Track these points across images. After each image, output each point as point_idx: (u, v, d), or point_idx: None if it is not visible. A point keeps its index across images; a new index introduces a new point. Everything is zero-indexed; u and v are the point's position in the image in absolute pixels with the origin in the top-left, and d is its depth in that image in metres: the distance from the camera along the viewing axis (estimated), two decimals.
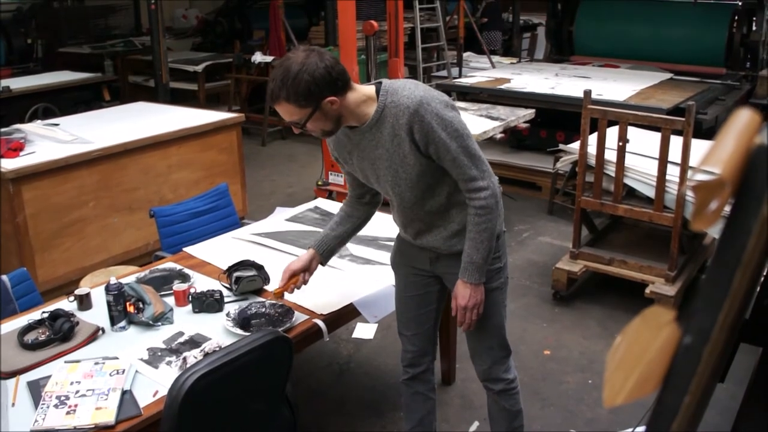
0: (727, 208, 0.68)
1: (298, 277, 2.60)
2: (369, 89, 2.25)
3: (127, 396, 2.17)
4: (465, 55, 8.95)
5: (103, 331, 2.56)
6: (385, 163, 2.28)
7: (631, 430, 3.04)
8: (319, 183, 5.95)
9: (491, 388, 2.67)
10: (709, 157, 0.63)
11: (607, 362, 0.71)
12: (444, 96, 2.26)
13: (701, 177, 0.63)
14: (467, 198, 2.31)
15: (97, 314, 2.67)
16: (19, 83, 7.01)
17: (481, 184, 2.27)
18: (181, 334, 2.55)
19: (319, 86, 2.09)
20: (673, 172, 3.96)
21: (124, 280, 2.82)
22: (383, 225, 3.54)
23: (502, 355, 2.61)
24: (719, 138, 0.65)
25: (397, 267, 2.68)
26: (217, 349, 2.30)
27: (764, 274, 1.56)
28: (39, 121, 5.29)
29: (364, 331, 4.09)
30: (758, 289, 1.59)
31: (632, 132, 4.23)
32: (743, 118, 0.65)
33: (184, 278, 2.97)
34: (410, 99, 2.17)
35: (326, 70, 2.10)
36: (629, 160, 4.13)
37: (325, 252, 2.65)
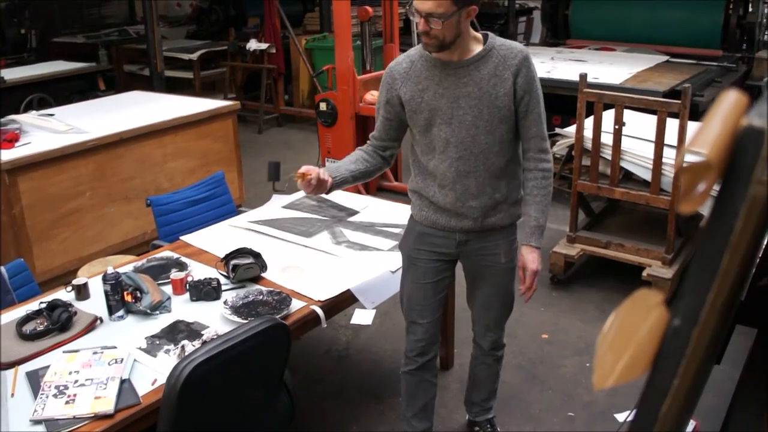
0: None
1: (315, 181, 2.49)
2: (476, 33, 2.38)
3: (125, 385, 2.18)
4: None
5: (101, 321, 2.56)
6: (472, 101, 2.34)
7: (628, 412, 3.06)
8: None
9: (495, 354, 2.88)
10: (696, 139, 0.63)
11: (597, 345, 0.72)
12: None
13: (688, 159, 0.63)
14: (536, 159, 2.46)
15: (95, 304, 2.68)
16: (13, 74, 6.97)
17: (549, 148, 2.48)
18: (179, 322, 2.55)
19: None
20: (669, 155, 3.96)
21: (121, 270, 2.82)
22: (380, 211, 3.55)
23: (505, 324, 2.85)
24: (706, 120, 0.65)
25: (416, 254, 2.64)
26: (215, 336, 2.30)
27: (759, 255, 1.57)
28: (34, 111, 5.28)
29: (362, 317, 4.12)
30: (753, 270, 1.60)
31: (628, 115, 4.22)
32: (730, 99, 0.65)
33: (182, 267, 2.97)
34: (521, 48, 2.39)
35: None
36: (625, 144, 4.13)
37: (337, 179, 2.57)
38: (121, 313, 2.58)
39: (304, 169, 2.47)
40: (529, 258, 2.54)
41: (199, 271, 2.93)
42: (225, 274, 2.85)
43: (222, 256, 2.91)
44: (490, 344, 2.85)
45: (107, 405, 2.07)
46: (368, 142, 2.68)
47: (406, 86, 2.42)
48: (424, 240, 2.60)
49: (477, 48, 2.36)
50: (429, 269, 2.63)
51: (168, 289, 2.77)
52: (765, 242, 1.52)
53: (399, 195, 5.39)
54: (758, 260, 1.58)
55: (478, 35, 2.38)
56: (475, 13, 2.29)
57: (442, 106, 2.37)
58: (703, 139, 0.62)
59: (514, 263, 2.64)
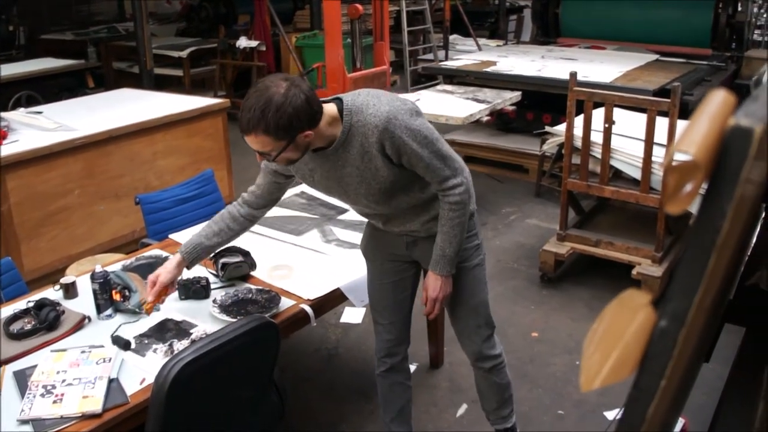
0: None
1: (167, 288, 2.49)
2: (331, 109, 2.19)
3: (114, 384, 2.17)
4: (451, 37, 8.92)
5: (90, 320, 2.55)
6: (355, 180, 2.26)
7: (618, 411, 3.06)
8: None
9: (482, 366, 2.70)
10: (683, 139, 0.62)
11: (584, 346, 0.71)
12: (408, 102, 2.24)
13: (676, 159, 0.63)
14: (441, 195, 2.33)
15: (83, 303, 2.66)
16: (1, 71, 6.93)
17: (455, 182, 2.30)
18: (167, 321, 2.54)
19: (300, 120, 2.03)
20: (659, 154, 3.97)
21: (110, 268, 2.81)
22: None
23: (489, 332, 2.66)
24: (693, 119, 0.65)
25: (371, 254, 2.65)
26: (204, 335, 2.29)
27: (747, 254, 1.57)
28: (22, 109, 5.25)
29: (352, 315, 4.11)
30: (742, 269, 1.61)
31: (618, 113, 4.23)
32: (717, 99, 0.65)
33: None
34: (377, 117, 2.14)
35: (307, 102, 2.04)
36: (615, 142, 4.14)
37: (193, 261, 2.53)
38: (109, 312, 2.57)
39: (151, 296, 2.44)
40: (431, 285, 2.44)
41: (188, 270, 2.91)
42: (214, 272, 2.84)
43: (211, 254, 2.90)
44: (472, 355, 2.70)
45: (95, 404, 2.06)
46: (244, 198, 2.59)
47: (297, 169, 2.35)
48: (377, 239, 2.59)
49: (338, 130, 2.20)
50: (385, 269, 2.61)
51: None
52: (753, 241, 1.52)
53: None
54: (746, 259, 1.58)
55: (335, 113, 2.19)
56: (311, 136, 2.12)
57: (332, 186, 2.35)
58: (690, 139, 0.62)
59: (473, 263, 2.54)
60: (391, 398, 2.82)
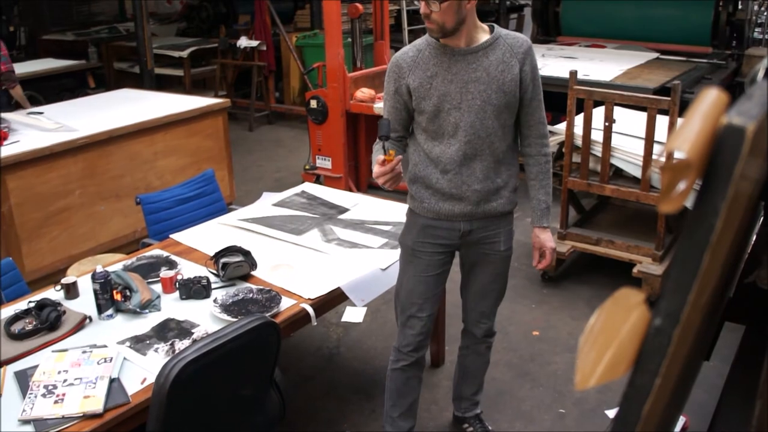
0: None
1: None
2: (479, 22, 2.46)
3: (115, 384, 2.17)
4: None
5: (91, 320, 2.55)
6: (481, 86, 2.40)
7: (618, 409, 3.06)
8: (307, 167, 5.94)
9: (487, 342, 2.94)
10: (676, 138, 0.63)
11: (580, 345, 0.72)
12: None
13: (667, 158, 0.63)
14: (537, 144, 2.61)
15: (84, 303, 2.67)
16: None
17: (548, 133, 2.66)
18: (169, 320, 2.54)
19: None
20: (659, 152, 3.97)
21: (111, 268, 2.81)
22: (370, 209, 3.55)
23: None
24: (686, 118, 0.65)
25: (420, 246, 2.64)
26: (205, 335, 2.30)
27: (747, 252, 1.57)
28: (23, 109, 5.25)
29: (353, 314, 4.12)
30: (741, 267, 1.60)
31: (618, 112, 4.23)
32: (710, 98, 0.65)
33: (171, 265, 2.96)
34: (526, 38, 2.51)
35: None
36: (616, 140, 4.14)
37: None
38: (110, 312, 2.57)
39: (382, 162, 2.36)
40: (546, 237, 2.70)
41: (188, 270, 2.92)
42: (215, 272, 2.85)
43: (212, 254, 2.91)
44: (483, 332, 2.88)
45: (96, 404, 2.06)
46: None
47: (414, 74, 2.46)
48: (427, 232, 2.62)
49: (484, 37, 2.44)
50: (432, 262, 2.64)
51: (158, 288, 2.76)
52: (753, 239, 1.52)
53: (390, 192, 5.38)
54: (746, 257, 1.58)
55: (485, 26, 2.47)
56: (470, 9, 2.36)
57: (451, 91, 2.42)
58: (683, 137, 0.62)
59: (511, 251, 2.73)
60: (405, 392, 2.84)
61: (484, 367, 3.04)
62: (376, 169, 2.36)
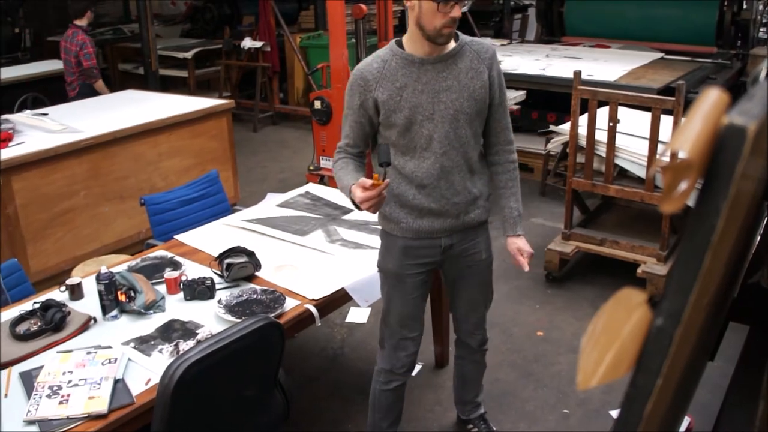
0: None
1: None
2: None
3: (119, 384, 2.18)
4: None
5: (95, 321, 2.56)
6: (452, 95, 2.36)
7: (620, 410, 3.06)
8: (311, 168, 5.94)
9: (483, 349, 2.94)
10: (677, 138, 0.63)
11: (582, 345, 0.72)
12: None
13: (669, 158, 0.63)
14: (505, 151, 2.56)
15: (89, 304, 2.67)
16: (7, 73, 6.97)
17: (513, 140, 2.60)
18: (173, 321, 2.55)
19: None
20: (660, 152, 3.96)
21: (115, 269, 2.82)
22: None
23: None
24: (687, 118, 0.65)
25: (404, 269, 2.57)
26: (209, 336, 2.30)
27: (751, 252, 1.57)
28: (28, 111, 5.26)
29: (357, 315, 4.12)
30: (745, 267, 1.60)
31: (623, 112, 4.22)
32: (711, 97, 0.65)
33: (176, 266, 2.97)
34: (490, 44, 2.54)
35: None
36: (620, 141, 4.13)
37: None
38: (115, 312, 2.58)
39: (369, 190, 2.26)
40: (522, 243, 2.64)
41: (193, 271, 2.92)
42: (219, 273, 2.85)
43: (216, 255, 2.91)
44: (479, 342, 2.88)
45: (101, 405, 2.07)
46: (341, 150, 2.55)
47: (382, 86, 2.37)
48: (409, 254, 2.54)
49: (451, 44, 2.39)
50: (417, 282, 2.59)
51: (162, 289, 2.77)
52: (757, 239, 1.52)
53: None
54: (750, 257, 1.58)
55: None
56: None
57: (423, 102, 2.35)
58: (684, 137, 0.62)
59: (492, 257, 2.72)
60: (396, 406, 2.84)
61: (483, 371, 3.05)
62: (360, 193, 2.26)
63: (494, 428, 3.11)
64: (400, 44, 2.42)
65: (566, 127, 4.43)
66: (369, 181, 2.23)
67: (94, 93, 6.22)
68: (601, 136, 4.15)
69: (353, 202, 2.34)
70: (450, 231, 2.52)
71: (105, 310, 2.58)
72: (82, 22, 6.27)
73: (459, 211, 2.49)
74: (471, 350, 2.91)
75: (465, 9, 2.30)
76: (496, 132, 2.53)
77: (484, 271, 2.71)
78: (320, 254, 3.08)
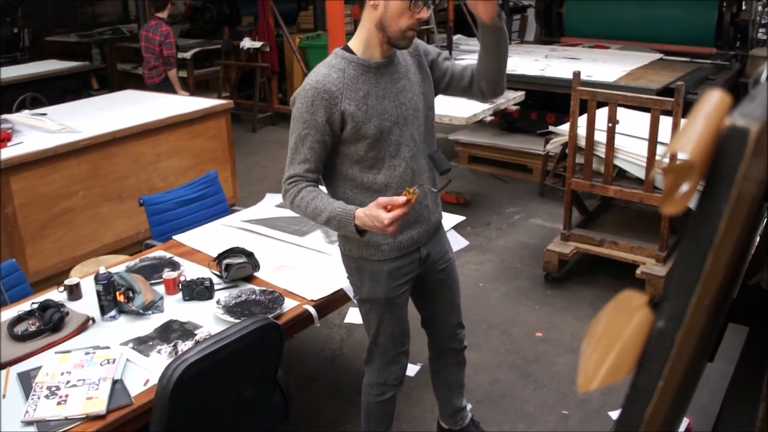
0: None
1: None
2: None
3: (118, 385, 2.17)
4: (455, 38, 8.90)
5: (94, 321, 2.56)
6: (408, 95, 2.32)
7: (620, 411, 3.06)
8: None
9: (465, 344, 2.89)
10: (679, 140, 0.62)
11: (582, 347, 0.72)
12: None
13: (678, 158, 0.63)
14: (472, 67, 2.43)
15: (88, 304, 2.67)
16: (6, 73, 6.96)
17: None
18: (172, 322, 2.55)
19: None
20: (662, 153, 3.96)
21: (114, 270, 2.82)
22: None
23: None
24: (689, 120, 0.65)
25: (394, 292, 2.48)
26: (208, 336, 2.30)
27: (751, 253, 1.57)
28: (27, 111, 5.27)
29: (356, 315, 4.11)
30: (745, 268, 1.60)
31: (622, 113, 4.22)
32: (713, 99, 0.65)
33: (174, 266, 2.96)
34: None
35: None
36: (619, 141, 4.13)
37: None
38: (113, 313, 2.58)
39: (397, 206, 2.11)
40: None
41: (191, 271, 2.92)
42: (218, 273, 2.85)
43: (215, 255, 2.91)
44: (461, 340, 2.85)
45: (99, 406, 2.06)
46: (299, 179, 2.36)
47: (348, 97, 2.21)
48: (395, 276, 2.45)
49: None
50: (404, 300, 2.57)
51: (161, 289, 2.76)
52: (757, 240, 1.52)
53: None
54: (750, 258, 1.58)
55: None
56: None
57: (387, 107, 2.26)
58: (686, 139, 0.62)
59: (452, 251, 2.72)
60: (390, 412, 2.81)
61: (462, 375, 2.97)
62: (386, 214, 2.07)
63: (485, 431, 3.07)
64: (348, 50, 2.29)
65: (565, 127, 4.43)
66: (400, 199, 2.06)
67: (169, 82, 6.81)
68: (600, 136, 4.14)
69: (357, 229, 2.18)
70: (427, 237, 2.48)
71: (103, 311, 2.58)
72: (164, 14, 6.88)
73: (430, 214, 2.45)
74: (455, 352, 2.86)
75: (429, 13, 2.25)
76: (459, 70, 2.43)
77: (454, 269, 2.71)
78: (319, 255, 3.08)
